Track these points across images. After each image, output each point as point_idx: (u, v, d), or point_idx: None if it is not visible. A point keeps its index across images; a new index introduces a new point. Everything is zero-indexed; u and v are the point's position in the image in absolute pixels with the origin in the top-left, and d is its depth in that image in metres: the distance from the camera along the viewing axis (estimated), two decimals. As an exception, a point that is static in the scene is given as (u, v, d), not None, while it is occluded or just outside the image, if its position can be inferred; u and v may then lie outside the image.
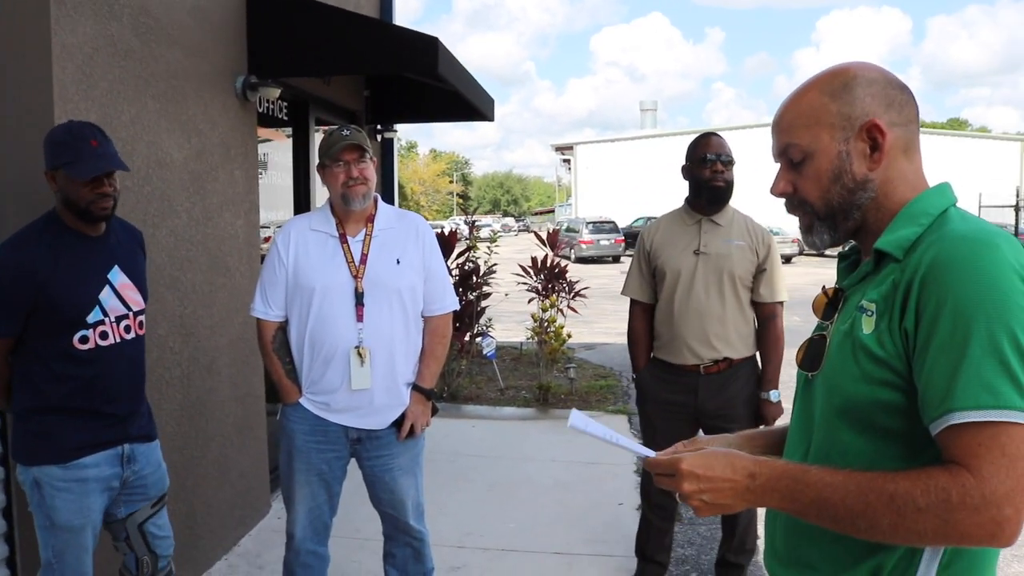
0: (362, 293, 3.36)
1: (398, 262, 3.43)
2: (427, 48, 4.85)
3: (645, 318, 4.12)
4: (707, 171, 3.89)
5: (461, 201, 76.55)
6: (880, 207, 1.54)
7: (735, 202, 4.00)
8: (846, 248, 1.69)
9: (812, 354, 1.60)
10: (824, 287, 1.67)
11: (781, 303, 3.96)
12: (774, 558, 1.64)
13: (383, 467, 3.51)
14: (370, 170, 3.41)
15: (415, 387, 3.51)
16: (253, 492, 5.08)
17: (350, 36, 4.91)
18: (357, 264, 3.39)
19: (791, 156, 1.58)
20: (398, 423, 3.47)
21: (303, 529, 3.54)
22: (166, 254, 4.04)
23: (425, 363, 3.54)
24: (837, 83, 1.53)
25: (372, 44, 4.91)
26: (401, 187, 60.68)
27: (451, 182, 74.07)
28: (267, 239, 5.94)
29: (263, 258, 5.73)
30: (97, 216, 2.89)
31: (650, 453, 1.60)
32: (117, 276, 3.01)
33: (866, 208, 1.54)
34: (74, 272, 2.86)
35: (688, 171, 3.99)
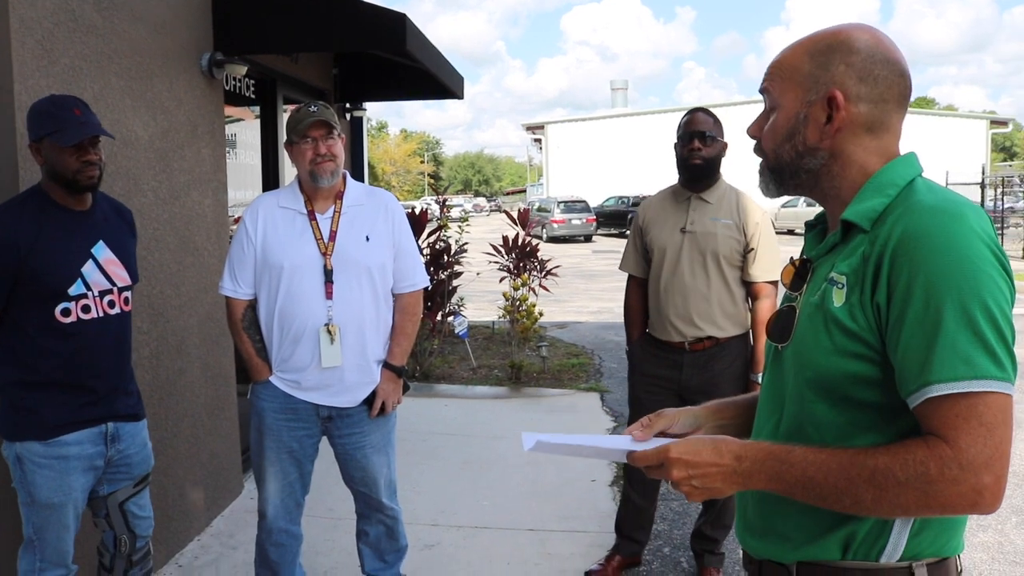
0: (331, 270, 3.34)
1: (367, 239, 3.41)
2: (395, 25, 4.81)
3: (639, 292, 4.16)
4: (685, 148, 3.89)
5: (432, 181, 76.21)
6: (835, 176, 1.53)
7: (733, 178, 3.98)
8: (813, 218, 1.69)
9: (781, 325, 1.60)
10: (792, 258, 1.67)
11: (774, 283, 3.92)
12: (746, 529, 1.65)
13: (354, 445, 3.50)
14: (338, 146, 3.39)
15: (386, 364, 3.49)
16: (225, 473, 5.05)
17: (317, 13, 4.86)
18: (326, 241, 3.37)
19: (765, 102, 1.59)
20: (369, 401, 3.46)
21: (275, 508, 3.53)
22: (133, 233, 3.99)
23: (395, 340, 3.53)
24: (822, 45, 1.51)
25: (339, 21, 4.86)
26: (372, 167, 60.11)
27: (422, 162, 73.81)
28: (237, 219, 5.89)
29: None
30: (84, 185, 2.88)
31: (632, 447, 1.59)
32: (102, 251, 3.00)
33: (817, 173, 1.54)
34: (56, 244, 2.86)
35: (674, 148, 4.00)
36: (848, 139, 1.50)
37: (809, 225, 1.68)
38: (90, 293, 2.94)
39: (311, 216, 3.40)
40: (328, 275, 3.34)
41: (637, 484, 4.17)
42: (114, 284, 3.03)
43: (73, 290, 2.90)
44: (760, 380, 3.91)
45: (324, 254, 3.35)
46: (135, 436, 3.16)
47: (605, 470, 5.72)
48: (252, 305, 3.47)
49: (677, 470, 1.47)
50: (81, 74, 3.59)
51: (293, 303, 3.34)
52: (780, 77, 1.56)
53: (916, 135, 45.66)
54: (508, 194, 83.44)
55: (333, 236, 3.38)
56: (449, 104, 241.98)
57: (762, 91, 1.61)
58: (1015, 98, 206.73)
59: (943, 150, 41.65)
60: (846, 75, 1.48)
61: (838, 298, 1.44)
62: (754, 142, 1.64)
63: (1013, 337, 1.33)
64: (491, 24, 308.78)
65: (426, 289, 7.36)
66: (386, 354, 3.51)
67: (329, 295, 3.34)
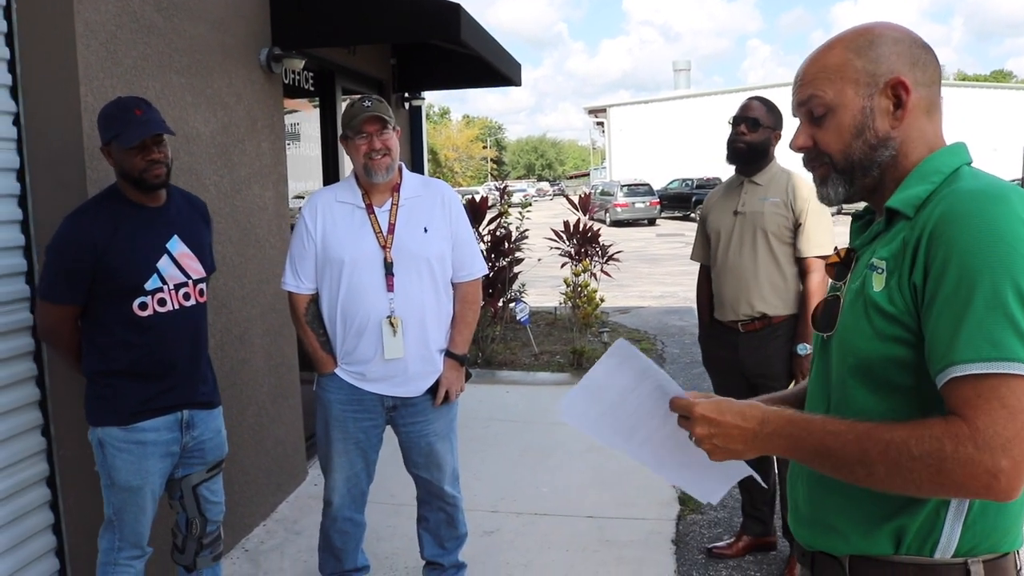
0: (391, 263, 3.39)
1: (425, 230, 3.45)
2: (450, 15, 4.84)
3: (708, 280, 4.26)
4: (733, 132, 4.01)
5: (495, 167, 76.35)
6: (898, 166, 1.54)
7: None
8: (860, 209, 1.68)
9: (827, 315, 1.60)
10: (836, 248, 1.67)
11: (823, 257, 3.94)
12: (797, 521, 1.65)
13: (418, 433, 3.56)
14: (393, 140, 3.42)
15: (448, 353, 3.55)
16: (289, 459, 5.16)
17: (373, 5, 4.91)
18: (385, 234, 3.42)
19: (813, 109, 1.58)
20: (433, 390, 3.51)
21: (341, 497, 3.61)
22: (196, 227, 4.09)
23: (457, 329, 3.58)
24: (863, 40, 1.53)
25: (394, 12, 4.90)
26: (435, 153, 60.23)
27: (485, 147, 73.89)
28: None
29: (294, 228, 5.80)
30: (151, 184, 2.99)
31: (679, 392, 1.61)
32: (176, 245, 3.12)
33: (885, 166, 1.54)
34: (132, 241, 2.98)
35: None
36: (913, 124, 1.52)
37: (856, 216, 1.68)
38: (165, 287, 3.06)
39: (369, 210, 3.45)
40: (388, 268, 3.39)
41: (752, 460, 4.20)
42: (189, 277, 3.15)
43: (149, 285, 3.02)
44: (800, 351, 3.95)
45: (384, 247, 3.40)
46: (209, 423, 3.27)
47: (665, 456, 5.70)
48: (315, 299, 3.53)
49: (700, 427, 1.51)
50: (143, 73, 3.68)
51: (355, 297, 3.40)
52: (828, 79, 1.55)
53: (991, 111, 44.55)
54: (571, 178, 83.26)
55: (392, 229, 3.43)
56: (511, 89, 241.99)
57: (802, 103, 1.59)
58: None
59: (1021, 125, 40.47)
60: (900, 62, 1.51)
61: (878, 283, 1.44)
62: (801, 156, 1.63)
63: None
64: (552, 6, 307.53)
65: (486, 276, 7.39)
66: (448, 343, 3.56)
67: (390, 287, 3.39)
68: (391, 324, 3.38)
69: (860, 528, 1.50)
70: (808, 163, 1.63)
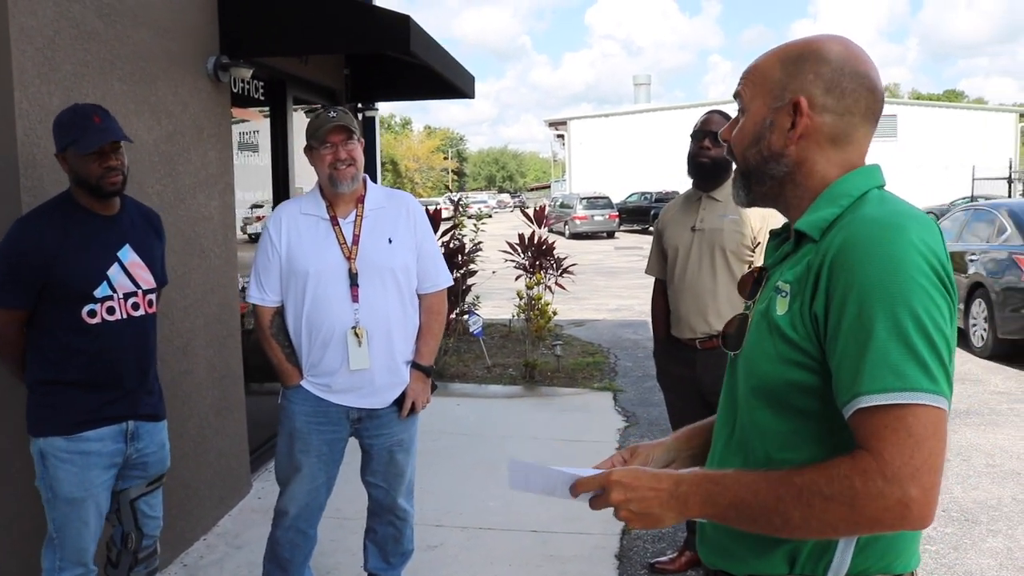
0: (356, 274, 3.39)
1: (390, 241, 3.45)
2: (399, 26, 4.83)
3: (664, 294, 4.24)
4: (695, 146, 3.98)
5: (455, 178, 76.28)
6: (798, 185, 1.54)
7: None
8: (780, 227, 1.69)
9: (736, 333, 1.60)
10: (751, 266, 1.68)
11: None
12: (701, 540, 1.65)
13: (382, 445, 3.56)
14: (358, 151, 3.43)
15: (414, 365, 3.54)
16: (233, 473, 5.09)
17: (322, 16, 4.88)
18: (350, 245, 3.41)
19: (739, 106, 1.61)
20: (399, 401, 3.50)
21: (299, 508, 3.57)
22: (137, 237, 4.02)
23: (423, 340, 3.57)
24: (794, 54, 1.53)
25: (343, 23, 4.88)
26: (395, 164, 60.02)
27: (446, 158, 73.86)
28: (259, 218, 5.94)
29: (254, 238, 5.75)
30: (108, 191, 2.98)
31: (580, 473, 1.55)
32: (127, 254, 3.10)
33: (781, 180, 1.55)
34: (83, 248, 2.96)
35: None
36: (811, 148, 1.51)
37: (774, 233, 1.68)
38: (115, 295, 3.03)
39: (334, 221, 3.45)
40: (353, 279, 3.38)
41: None
42: (139, 287, 3.12)
43: (99, 292, 2.99)
44: None
45: (348, 258, 3.40)
46: (154, 436, 3.23)
47: (613, 470, 5.70)
48: (279, 311, 3.51)
49: (616, 493, 1.46)
50: (83, 80, 3.63)
51: (320, 308, 3.39)
52: (752, 82, 1.57)
53: (944, 129, 45.25)
54: (532, 190, 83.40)
55: (356, 240, 3.43)
56: (474, 100, 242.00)
57: (736, 95, 1.62)
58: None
59: (971, 144, 41.25)
60: (814, 84, 1.50)
61: (781, 306, 1.45)
62: (726, 146, 1.66)
63: (949, 351, 1.31)
64: (516, 19, 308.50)
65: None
66: (414, 355, 3.55)
67: (355, 299, 3.38)
68: (356, 335, 3.38)
69: (755, 550, 1.49)
70: (727, 153, 1.66)
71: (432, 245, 3.63)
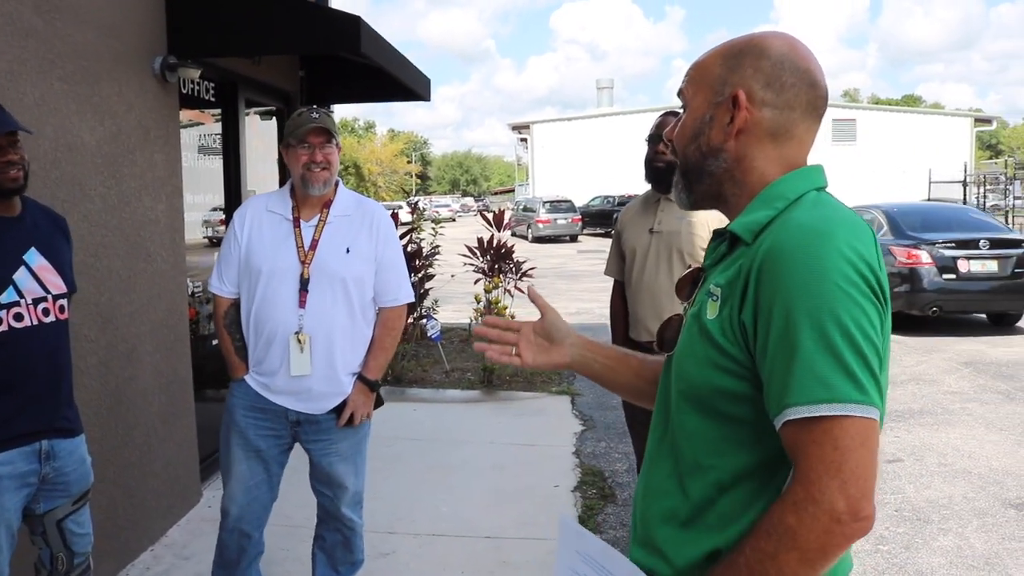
0: (307, 279, 3.34)
1: (348, 251, 3.40)
2: (350, 27, 4.76)
3: (622, 296, 4.22)
4: (651, 150, 3.96)
5: (419, 182, 76.04)
6: (736, 182, 1.52)
7: None
8: (723, 227, 1.66)
9: (670, 335, 1.57)
10: (691, 266, 1.65)
11: None
12: (633, 539, 1.62)
13: (321, 452, 3.50)
14: (334, 155, 3.41)
15: (359, 377, 3.48)
16: (181, 481, 4.99)
17: (272, 16, 4.81)
18: (306, 250, 3.37)
19: (681, 103, 1.59)
20: (338, 409, 3.44)
21: (240, 508, 3.51)
22: (79, 240, 3.88)
23: (372, 354, 3.52)
24: (735, 50, 1.51)
25: (293, 24, 4.81)
26: (358, 168, 59.60)
27: (409, 162, 73.60)
28: (222, 221, 5.86)
29: (207, 241, 5.67)
30: (6, 188, 2.78)
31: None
32: (35, 258, 2.91)
33: (720, 178, 1.52)
34: None
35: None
36: (751, 144, 1.49)
37: (715, 234, 1.65)
38: (23, 301, 2.85)
39: (295, 223, 3.42)
40: (304, 284, 3.35)
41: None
42: (48, 292, 2.94)
43: (4, 298, 2.80)
44: None
45: (303, 262, 3.36)
46: (72, 453, 3.05)
47: (569, 475, 5.68)
48: (235, 304, 3.50)
49: None
50: (20, 79, 3.53)
51: (267, 308, 3.37)
52: (694, 79, 1.56)
53: (901, 134, 45.87)
54: (496, 194, 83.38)
55: (314, 245, 3.39)
56: (439, 103, 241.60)
57: (679, 93, 1.61)
58: (1003, 95, 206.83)
59: (928, 149, 41.80)
60: (753, 79, 1.48)
61: (712, 310, 1.42)
62: (669, 145, 1.64)
63: (879, 359, 1.29)
64: (481, 22, 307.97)
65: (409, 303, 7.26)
66: (362, 367, 3.50)
67: (302, 304, 3.34)
68: (299, 341, 3.33)
69: (681, 551, 1.46)
70: (671, 153, 1.64)
71: (396, 259, 3.56)
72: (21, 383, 2.85)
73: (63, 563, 3.11)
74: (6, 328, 2.81)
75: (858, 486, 1.22)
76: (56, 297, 2.97)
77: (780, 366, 1.28)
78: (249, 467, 3.48)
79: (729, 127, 1.48)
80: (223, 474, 3.56)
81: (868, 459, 1.24)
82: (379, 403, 3.58)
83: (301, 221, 3.41)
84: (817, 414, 1.23)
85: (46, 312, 2.93)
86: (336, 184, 3.49)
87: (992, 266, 11.17)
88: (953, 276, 11.15)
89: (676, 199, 1.65)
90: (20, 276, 2.85)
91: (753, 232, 1.42)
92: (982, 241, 11.25)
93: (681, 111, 1.61)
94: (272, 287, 3.35)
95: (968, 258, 11.18)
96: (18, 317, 2.84)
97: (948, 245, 11.29)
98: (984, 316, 12.36)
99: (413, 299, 3.68)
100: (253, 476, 3.49)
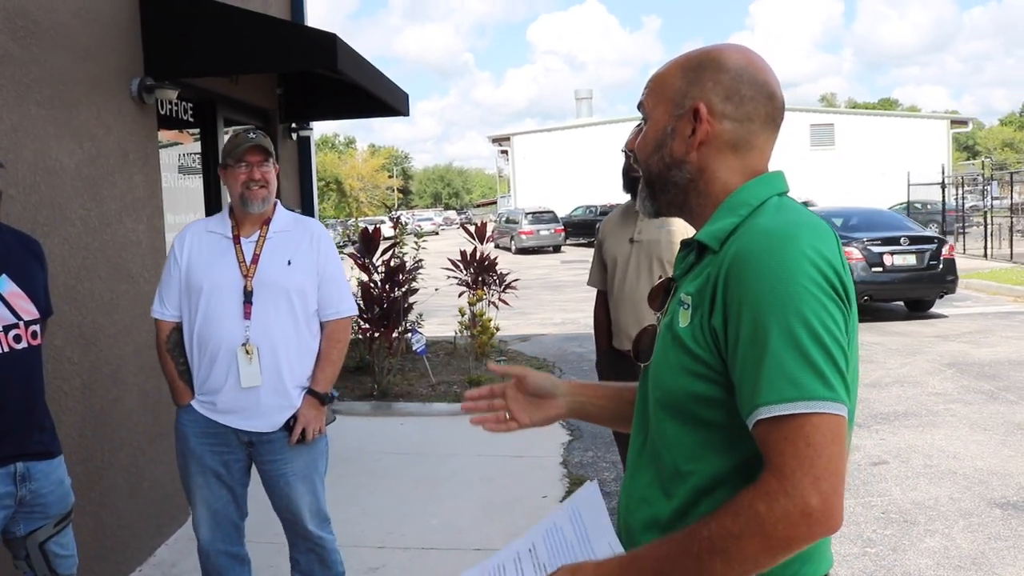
0: (251, 292, 3.36)
1: (289, 263, 3.42)
2: (326, 44, 4.79)
3: (605, 306, 4.23)
4: (627, 161, 3.96)
5: (401, 196, 76.06)
6: (701, 193, 1.55)
7: None
8: (691, 237, 1.69)
9: (645, 345, 1.60)
10: (661, 277, 1.68)
11: None
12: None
13: (277, 472, 3.47)
14: (272, 174, 3.43)
15: (308, 391, 3.47)
16: (169, 501, 4.98)
17: (247, 35, 4.83)
18: (248, 264, 3.39)
19: (642, 115, 1.62)
20: (290, 426, 3.44)
21: (209, 530, 3.51)
22: (59, 263, 3.93)
23: (320, 367, 3.51)
24: (694, 63, 1.54)
25: (270, 42, 4.84)
26: (339, 183, 59.25)
27: (391, 177, 73.61)
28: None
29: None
30: None
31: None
32: (6, 284, 2.89)
33: (684, 188, 1.56)
34: None
35: None
36: (712, 155, 1.52)
37: (684, 244, 1.68)
38: None
39: (235, 240, 3.43)
40: (248, 296, 3.36)
41: None
42: (20, 318, 2.91)
43: None
44: None
45: (246, 276, 3.37)
46: (49, 475, 3.03)
47: (557, 485, 5.70)
48: (178, 328, 3.49)
49: None
50: (-3, 104, 3.54)
51: (210, 323, 3.37)
52: (654, 91, 1.59)
53: (879, 137, 46.06)
54: (479, 206, 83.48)
55: (256, 259, 3.41)
56: (418, 117, 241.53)
57: (639, 106, 1.64)
58: (977, 96, 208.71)
59: (906, 151, 42.09)
60: (713, 92, 1.51)
61: (684, 318, 1.45)
62: (632, 155, 1.67)
63: (845, 358, 1.32)
64: (459, 36, 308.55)
65: (381, 308, 7.31)
66: (310, 380, 3.49)
67: (247, 315, 3.35)
68: (247, 351, 3.34)
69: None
70: (632, 162, 1.68)
71: (336, 272, 3.58)
72: None
73: None
74: None
75: (830, 482, 1.25)
76: (28, 323, 2.93)
77: (750, 367, 1.31)
78: (212, 491, 3.48)
79: (691, 139, 1.52)
80: (188, 501, 3.55)
81: (838, 455, 1.27)
82: (331, 419, 3.58)
83: (241, 238, 3.44)
84: (788, 412, 1.27)
85: (18, 339, 2.89)
86: (275, 204, 3.53)
87: (912, 259, 12.80)
88: (880, 268, 12.75)
89: (640, 207, 1.68)
90: None
91: (719, 240, 1.45)
92: (903, 239, 12.90)
93: (641, 121, 1.65)
94: (214, 302, 3.36)
95: (892, 253, 12.79)
96: None
97: (875, 242, 12.85)
98: (902, 303, 13.86)
99: (356, 312, 3.71)
100: (217, 499, 3.49)
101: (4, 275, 2.88)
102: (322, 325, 3.53)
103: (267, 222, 3.47)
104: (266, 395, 3.38)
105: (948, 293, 13.15)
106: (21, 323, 2.91)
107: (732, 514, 1.29)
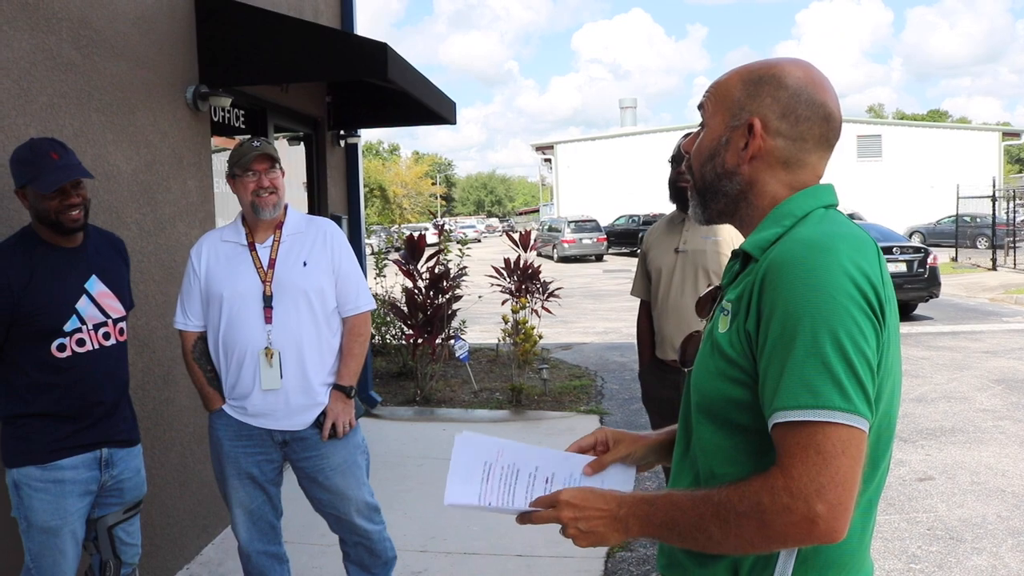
0: (270, 296, 3.44)
1: (305, 264, 3.51)
2: (377, 53, 4.86)
3: (649, 316, 4.25)
4: (674, 170, 3.98)
5: (444, 203, 76.38)
6: (750, 204, 1.57)
7: None
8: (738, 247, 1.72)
9: (691, 351, 1.64)
10: (710, 286, 1.70)
11: None
12: (660, 555, 1.66)
13: (315, 468, 3.55)
14: (280, 180, 3.51)
15: (335, 385, 3.56)
16: (216, 501, 5.05)
17: (300, 44, 4.92)
18: (265, 269, 3.48)
19: (701, 117, 1.64)
20: (321, 423, 3.51)
21: (247, 531, 3.60)
22: (116, 266, 4.03)
23: (344, 362, 3.60)
24: (755, 76, 1.56)
25: (322, 51, 4.92)
26: (383, 190, 59.52)
27: (434, 184, 73.97)
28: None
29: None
30: (68, 227, 2.96)
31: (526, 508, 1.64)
32: (95, 285, 3.09)
33: (735, 198, 1.58)
34: (50, 283, 2.94)
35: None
36: (763, 169, 1.54)
37: (732, 254, 1.70)
38: (84, 327, 3.03)
39: (251, 247, 3.52)
40: (268, 301, 3.44)
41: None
42: (108, 316, 3.12)
43: (68, 326, 2.98)
44: None
45: (264, 281, 3.45)
46: (129, 462, 3.23)
47: (598, 493, 5.70)
48: (202, 337, 3.58)
49: (565, 512, 1.54)
50: (59, 111, 3.65)
51: (233, 330, 3.45)
52: (714, 99, 1.61)
53: (927, 149, 45.42)
54: (521, 214, 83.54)
55: (272, 264, 3.49)
56: (462, 125, 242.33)
57: (700, 107, 1.66)
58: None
59: (955, 163, 41.46)
60: (770, 108, 1.52)
61: (723, 324, 1.48)
62: (685, 159, 1.70)
63: (871, 373, 1.33)
64: (503, 44, 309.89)
65: (424, 315, 7.34)
66: (335, 376, 3.58)
67: (268, 320, 3.43)
68: (267, 355, 3.42)
69: (699, 560, 1.52)
70: (685, 165, 1.70)
71: (352, 268, 3.66)
72: (85, 402, 3.04)
73: (111, 570, 3.25)
74: (70, 354, 3.00)
75: (837, 493, 1.28)
76: (116, 321, 3.16)
77: (773, 371, 1.34)
78: (247, 493, 3.56)
79: (743, 152, 1.54)
80: (226, 503, 3.64)
81: (849, 467, 1.29)
82: (361, 411, 3.65)
83: (256, 244, 3.52)
84: (802, 419, 1.29)
85: (107, 336, 3.12)
86: (286, 207, 3.60)
87: (902, 267, 14.23)
88: None
89: (692, 214, 1.71)
90: (82, 304, 3.03)
91: (762, 249, 1.48)
92: (895, 248, 14.39)
93: (700, 124, 1.67)
94: (236, 309, 3.44)
95: (888, 261, 13.78)
96: (80, 343, 3.02)
97: None
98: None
99: (374, 305, 3.78)
100: (253, 500, 3.58)
101: (93, 275, 3.07)
102: (343, 321, 3.61)
103: (279, 226, 3.56)
104: (294, 395, 3.46)
105: (932, 297, 14.68)
106: (109, 321, 3.13)
107: (740, 494, 1.35)
